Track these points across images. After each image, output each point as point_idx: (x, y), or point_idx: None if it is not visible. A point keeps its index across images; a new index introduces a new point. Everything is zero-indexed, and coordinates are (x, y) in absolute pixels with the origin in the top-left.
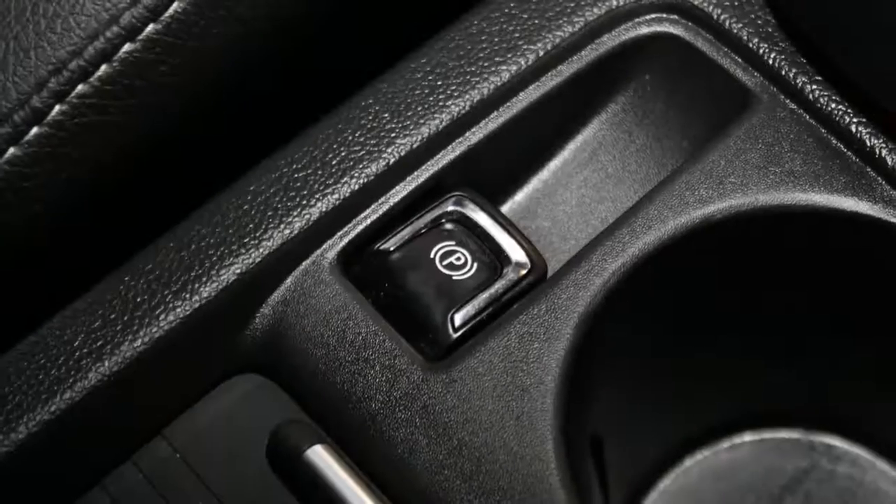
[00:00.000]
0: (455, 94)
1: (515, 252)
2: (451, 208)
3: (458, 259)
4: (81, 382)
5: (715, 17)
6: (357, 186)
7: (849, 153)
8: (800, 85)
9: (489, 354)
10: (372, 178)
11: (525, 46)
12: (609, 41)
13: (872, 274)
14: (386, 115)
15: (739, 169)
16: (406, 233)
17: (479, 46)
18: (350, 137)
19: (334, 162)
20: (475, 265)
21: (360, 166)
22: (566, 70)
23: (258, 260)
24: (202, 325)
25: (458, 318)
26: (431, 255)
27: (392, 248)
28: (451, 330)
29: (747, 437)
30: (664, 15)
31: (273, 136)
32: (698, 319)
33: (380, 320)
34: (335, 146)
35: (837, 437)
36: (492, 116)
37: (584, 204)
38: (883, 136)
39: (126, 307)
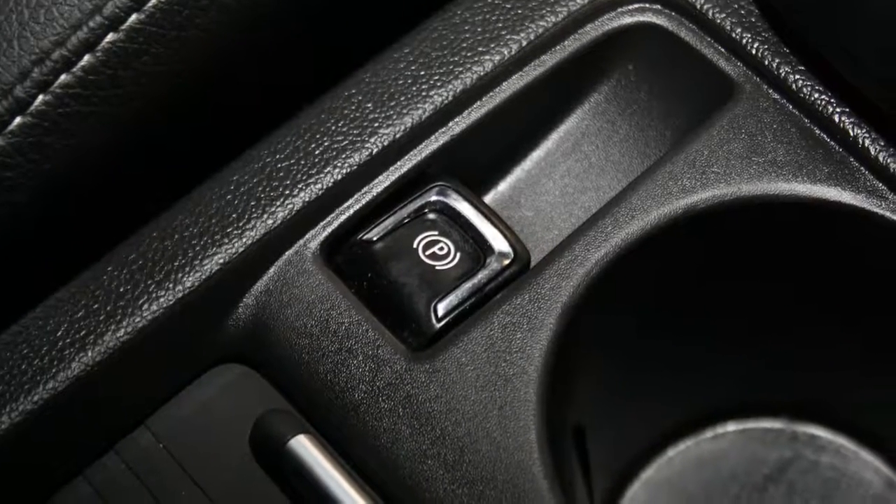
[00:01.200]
0: (438, 83)
1: (498, 242)
2: (434, 198)
3: (442, 249)
4: (64, 373)
5: (698, 6)
6: (340, 176)
7: (832, 143)
8: (783, 75)
9: (472, 344)
10: (355, 168)
11: (508, 36)
12: (592, 31)
13: (856, 263)
14: (369, 104)
15: (722, 159)
16: (389, 223)
17: (462, 36)
18: (333, 127)
19: (317, 152)
20: (458, 255)
21: (343, 156)
22: (549, 60)
23: (241, 250)
24: (185, 316)
25: (441, 308)
26: (414, 245)
27: (375, 238)
28: (434, 320)
29: (730, 426)
30: (647, 5)
31: (256, 126)
32: (681, 309)
33: (363, 310)
34: (318, 136)
35: (821, 427)
36: (475, 106)
37: (568, 194)
38: (866, 125)
39: (109, 297)
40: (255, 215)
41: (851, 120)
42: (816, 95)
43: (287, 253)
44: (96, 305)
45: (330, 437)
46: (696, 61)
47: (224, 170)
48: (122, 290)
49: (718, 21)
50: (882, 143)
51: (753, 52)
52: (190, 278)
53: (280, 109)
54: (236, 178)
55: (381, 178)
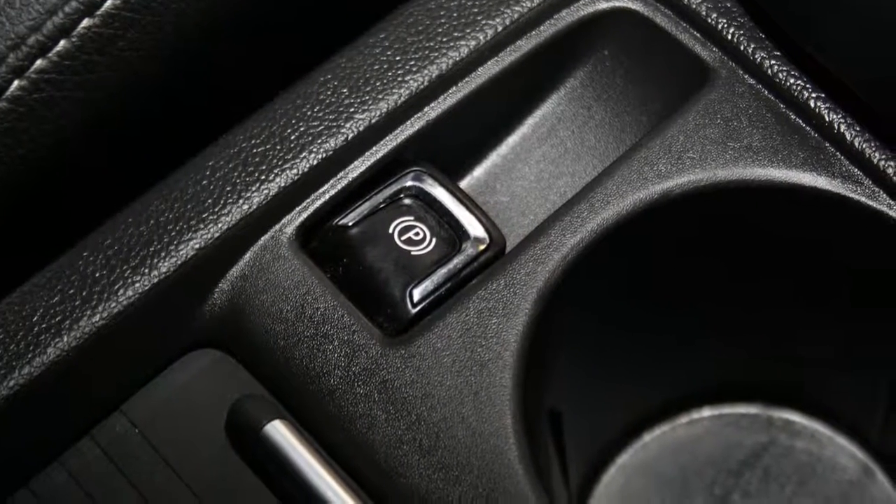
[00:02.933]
0: (414, 69)
1: (474, 227)
2: (409, 183)
3: (417, 234)
4: (40, 358)
5: None
6: (316, 162)
7: (807, 128)
8: (758, 60)
9: (448, 329)
10: (330, 153)
11: (484, 21)
12: (568, 16)
13: (830, 248)
14: (344, 90)
15: (698, 144)
16: (365, 208)
17: (437, 21)
18: (308, 112)
19: (293, 137)
20: (434, 240)
21: (319, 141)
22: (525, 45)
23: (217, 235)
24: (161, 300)
25: (417, 294)
26: (390, 231)
27: (351, 224)
28: (409, 305)
29: (706, 412)
30: None
31: (233, 111)
32: (657, 294)
33: (338, 295)
34: (294, 121)
35: (796, 413)
36: (450, 92)
37: (543, 179)
38: (842, 111)
39: (84, 282)
40: (230, 201)
41: (827, 105)
42: (792, 81)
43: (263, 238)
44: (72, 291)
45: (305, 422)
46: (672, 46)
47: (199, 155)
48: (97, 275)
49: (694, 6)
50: (858, 129)
51: (729, 37)
52: (165, 263)
53: (256, 95)
54: (212, 163)
55: (356, 163)
